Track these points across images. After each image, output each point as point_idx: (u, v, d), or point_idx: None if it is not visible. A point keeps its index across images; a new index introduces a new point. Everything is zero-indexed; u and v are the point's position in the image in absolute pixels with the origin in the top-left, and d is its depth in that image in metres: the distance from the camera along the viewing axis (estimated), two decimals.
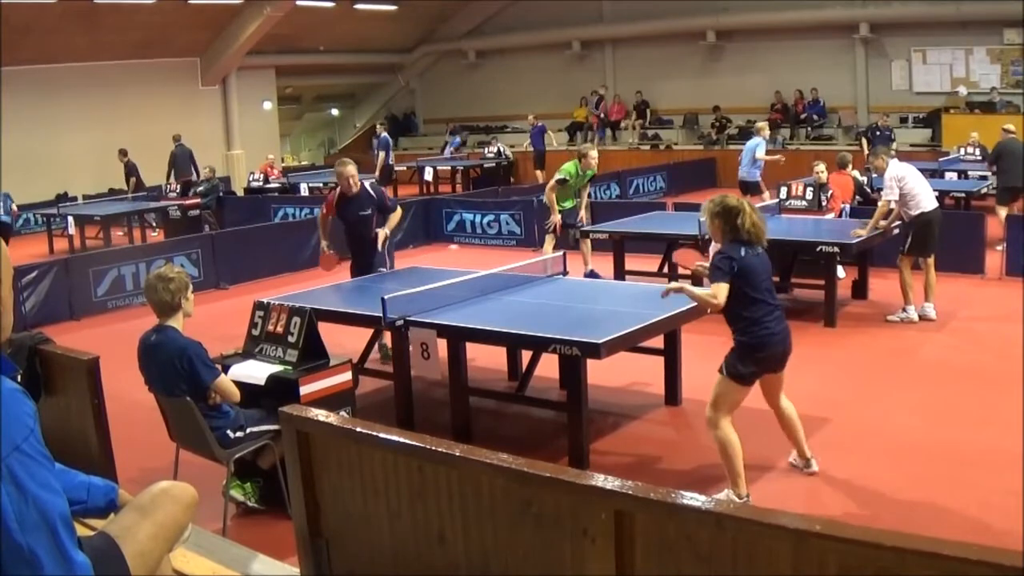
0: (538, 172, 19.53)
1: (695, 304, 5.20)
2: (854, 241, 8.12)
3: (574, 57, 23.53)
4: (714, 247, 4.93)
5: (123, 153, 17.48)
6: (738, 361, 4.69)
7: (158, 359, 4.44)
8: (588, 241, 10.21)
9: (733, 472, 4.72)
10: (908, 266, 8.08)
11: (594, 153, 10.23)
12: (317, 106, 27.65)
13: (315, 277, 10.54)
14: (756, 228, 4.69)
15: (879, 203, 8.36)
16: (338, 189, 7.64)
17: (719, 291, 4.58)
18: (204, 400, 4.47)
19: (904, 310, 8.17)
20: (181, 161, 17.59)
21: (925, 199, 7.97)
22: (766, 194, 12.45)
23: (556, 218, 10.14)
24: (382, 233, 7.63)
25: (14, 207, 14.71)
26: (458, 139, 23.01)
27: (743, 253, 4.64)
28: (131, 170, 17.40)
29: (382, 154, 19.06)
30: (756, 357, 4.69)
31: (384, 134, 19.81)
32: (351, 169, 7.55)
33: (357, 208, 7.55)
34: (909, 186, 7.94)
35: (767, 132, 13.52)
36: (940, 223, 8.20)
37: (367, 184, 7.70)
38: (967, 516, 4.49)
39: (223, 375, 4.57)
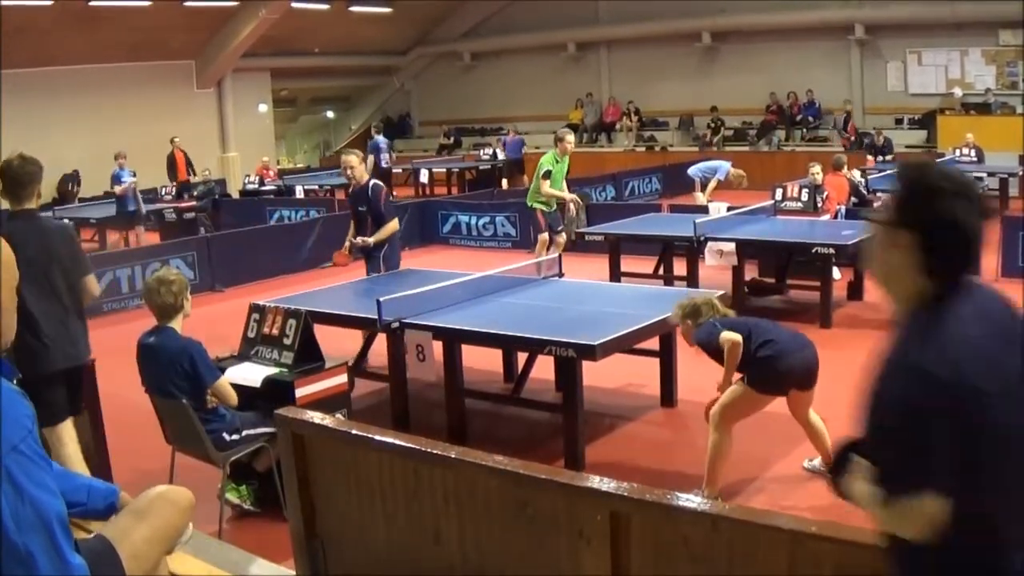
0: (524, 177, 19.42)
1: None
2: (850, 242, 8.13)
3: (569, 59, 23.53)
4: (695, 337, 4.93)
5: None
6: (759, 374, 4.68)
7: (158, 360, 4.44)
8: (561, 240, 9.89)
9: (714, 473, 4.73)
10: None
11: (571, 137, 9.92)
12: (312, 108, 27.64)
13: (311, 279, 10.55)
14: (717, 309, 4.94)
15: None
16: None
17: (729, 337, 4.62)
18: (201, 402, 4.47)
19: None
20: None
21: None
22: (698, 194, 13.78)
23: (570, 196, 9.96)
24: (360, 240, 7.34)
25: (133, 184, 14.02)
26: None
27: (719, 324, 4.78)
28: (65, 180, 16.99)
29: (371, 157, 17.94)
30: (775, 372, 4.66)
31: (377, 137, 18.75)
32: (348, 159, 7.44)
33: (355, 202, 7.51)
34: None
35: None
36: None
37: (372, 183, 7.46)
38: None
39: (223, 377, 4.59)
